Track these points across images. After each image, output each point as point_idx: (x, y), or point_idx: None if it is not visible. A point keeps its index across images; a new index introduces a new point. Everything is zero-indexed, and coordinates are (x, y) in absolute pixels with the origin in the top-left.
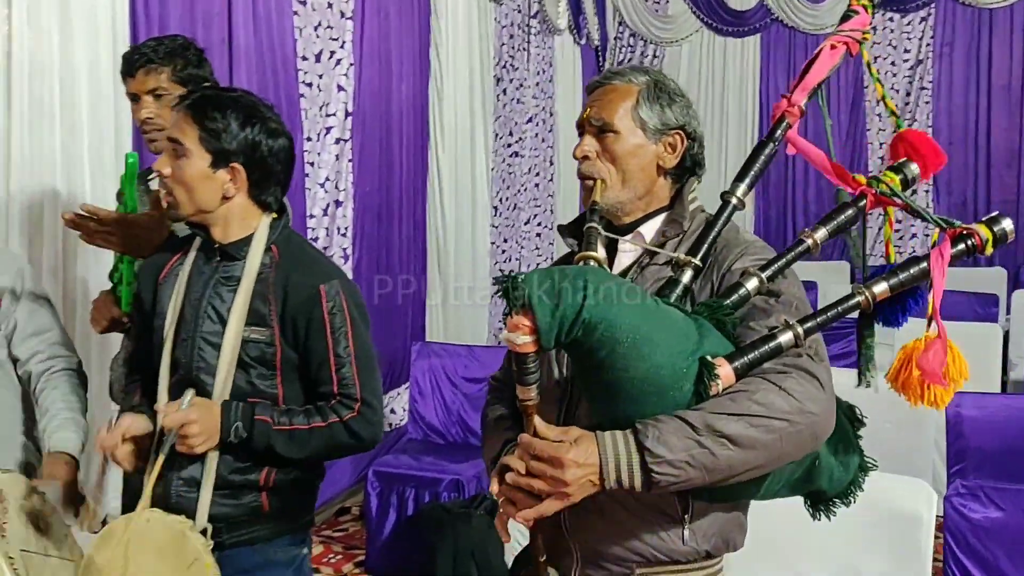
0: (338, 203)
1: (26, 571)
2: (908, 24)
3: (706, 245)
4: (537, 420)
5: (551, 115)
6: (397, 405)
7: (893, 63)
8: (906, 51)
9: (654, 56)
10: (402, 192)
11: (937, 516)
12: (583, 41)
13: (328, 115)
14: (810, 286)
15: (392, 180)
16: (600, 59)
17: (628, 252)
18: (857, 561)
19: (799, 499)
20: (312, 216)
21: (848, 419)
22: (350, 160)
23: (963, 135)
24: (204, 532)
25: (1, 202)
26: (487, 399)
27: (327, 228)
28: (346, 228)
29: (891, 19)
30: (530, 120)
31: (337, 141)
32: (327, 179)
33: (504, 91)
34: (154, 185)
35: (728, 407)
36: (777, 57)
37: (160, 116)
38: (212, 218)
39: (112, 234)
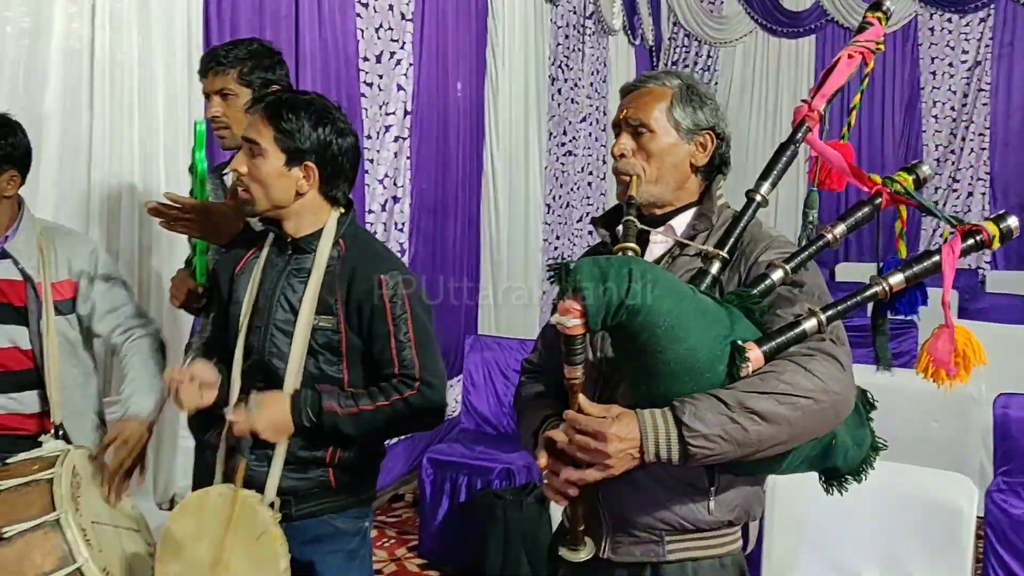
0: (396, 199)
1: (98, 542)
2: (967, 25)
3: (733, 239)
4: (581, 398)
5: (604, 114)
6: (451, 396)
7: (951, 64)
8: (964, 52)
9: (708, 56)
10: (457, 189)
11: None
12: (637, 42)
13: (388, 114)
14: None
15: (448, 177)
16: (654, 59)
17: (659, 243)
18: (900, 552)
19: (850, 500)
20: (371, 211)
21: (861, 403)
22: (408, 157)
23: (1020, 137)
24: (272, 505)
25: (83, 194)
26: (520, 380)
27: (385, 223)
28: (403, 223)
29: (949, 20)
30: (584, 119)
31: (396, 139)
32: (386, 175)
33: (559, 91)
34: (228, 179)
35: (758, 386)
36: (832, 57)
37: (226, 115)
38: (285, 213)
39: (192, 221)
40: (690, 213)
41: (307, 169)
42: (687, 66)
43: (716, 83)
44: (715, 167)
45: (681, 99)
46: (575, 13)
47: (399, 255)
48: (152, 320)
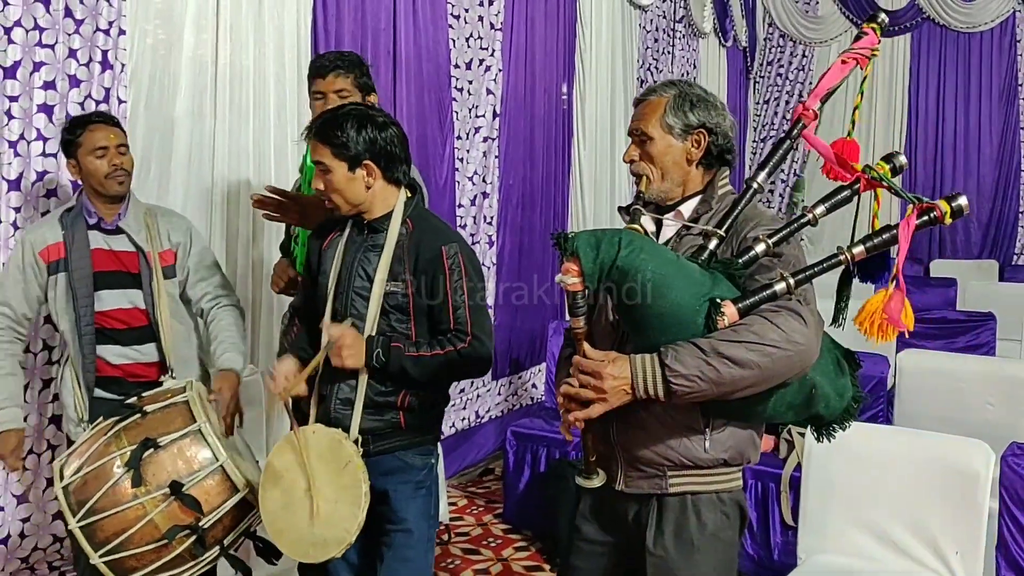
0: (485, 195)
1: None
2: None
3: (729, 220)
4: (584, 345)
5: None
6: (538, 380)
7: None
8: None
9: (803, 56)
10: (543, 185)
11: None
12: (729, 43)
13: (477, 116)
14: (951, 282)
15: (534, 174)
16: (749, 60)
17: (671, 226)
18: (922, 512)
19: (877, 461)
20: (461, 206)
21: (846, 359)
22: (496, 156)
23: None
24: (356, 442)
25: (207, 187)
26: (562, 349)
27: (474, 217)
28: (491, 217)
29: None
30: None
31: (485, 139)
32: (475, 173)
33: None
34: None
35: (731, 336)
36: (928, 56)
37: None
38: (364, 206)
39: (291, 210)
40: (695, 200)
41: (367, 167)
42: (782, 66)
43: (811, 83)
44: (715, 159)
45: (673, 106)
46: (665, 17)
47: (488, 247)
48: (233, 293)
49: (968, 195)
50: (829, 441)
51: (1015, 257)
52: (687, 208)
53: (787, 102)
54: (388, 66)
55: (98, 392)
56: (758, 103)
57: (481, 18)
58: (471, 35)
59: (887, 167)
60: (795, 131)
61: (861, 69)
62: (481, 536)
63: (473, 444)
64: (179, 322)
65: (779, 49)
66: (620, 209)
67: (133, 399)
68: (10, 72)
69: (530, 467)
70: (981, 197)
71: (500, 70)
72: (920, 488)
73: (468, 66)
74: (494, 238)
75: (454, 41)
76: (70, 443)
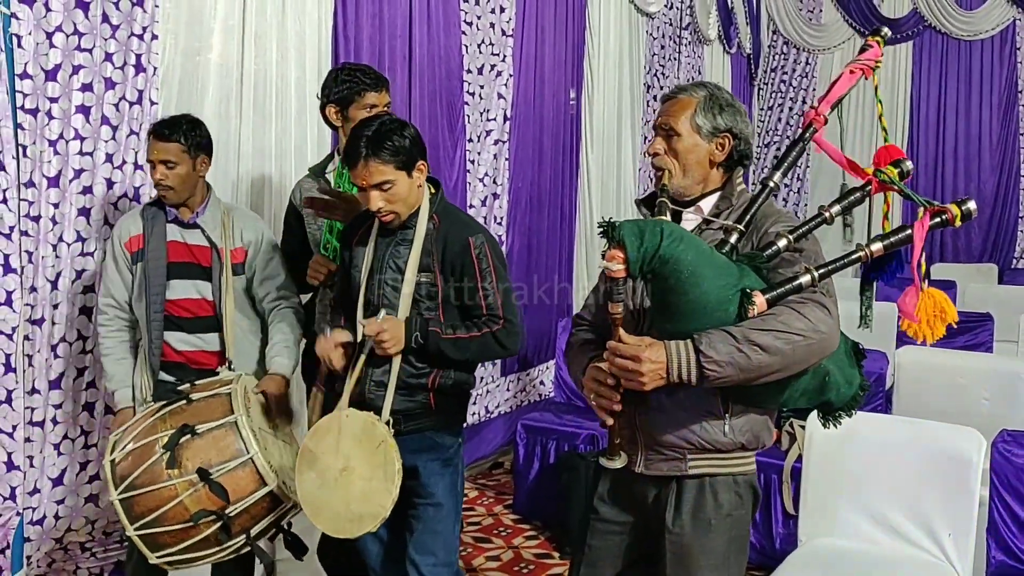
0: (495, 196)
1: (264, 445)
2: None
3: (748, 216)
4: (621, 331)
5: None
6: (546, 377)
7: None
8: None
9: (806, 63)
10: (552, 187)
11: None
12: (733, 50)
13: (488, 119)
14: (951, 285)
15: (543, 177)
16: (753, 67)
17: (690, 221)
18: (918, 496)
19: (876, 448)
20: (471, 206)
21: (853, 351)
22: (507, 159)
23: None
24: (388, 423)
25: (232, 184)
26: (571, 332)
27: (484, 217)
28: (501, 217)
29: None
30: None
31: (496, 142)
32: (485, 174)
33: (655, 97)
34: (330, 178)
35: (760, 325)
36: (930, 63)
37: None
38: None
39: (339, 208)
40: (715, 197)
41: (419, 168)
42: (786, 73)
43: (815, 89)
44: (735, 161)
45: (704, 107)
46: (671, 24)
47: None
48: (296, 294)
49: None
50: (836, 427)
51: (1015, 261)
52: (706, 204)
53: (791, 108)
54: (404, 70)
55: (162, 375)
56: (762, 109)
57: (493, 25)
58: (483, 41)
59: (895, 171)
60: (807, 134)
61: (867, 79)
62: (492, 526)
63: (483, 439)
64: (245, 317)
65: (783, 56)
66: (638, 202)
67: (185, 386)
68: (51, 75)
69: (540, 459)
70: (981, 202)
71: (511, 75)
72: (916, 474)
73: (480, 71)
74: (504, 238)
75: (467, 47)
76: None
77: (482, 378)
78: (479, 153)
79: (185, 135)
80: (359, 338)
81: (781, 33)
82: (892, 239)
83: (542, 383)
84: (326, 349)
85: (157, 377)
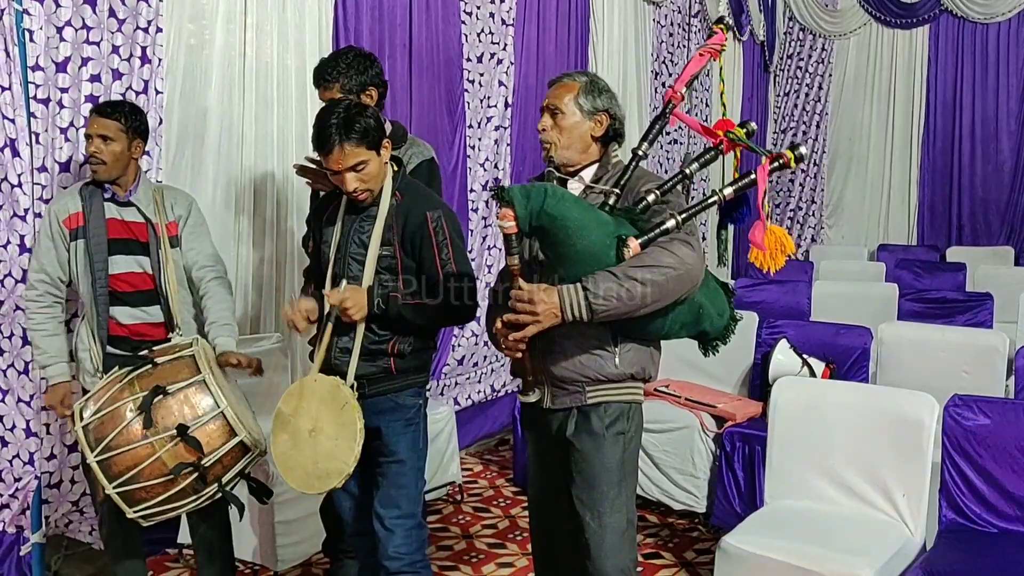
0: (496, 180)
1: (229, 400)
2: None
3: (624, 180)
4: (519, 279)
5: (707, 106)
6: None
7: None
8: None
9: (823, 49)
10: None
11: None
12: (744, 38)
13: (489, 106)
14: (961, 267)
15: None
16: (767, 54)
17: (575, 188)
18: (875, 459)
19: (834, 413)
20: (472, 191)
21: (723, 288)
22: (508, 144)
23: None
24: (352, 387)
25: (236, 170)
26: (488, 302)
27: (486, 202)
28: None
29: None
30: (688, 110)
31: (497, 128)
32: (486, 159)
33: (663, 84)
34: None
35: (636, 263)
36: (946, 46)
37: None
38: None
39: (325, 177)
40: (595, 167)
41: (385, 146)
42: (802, 59)
43: (831, 75)
44: (611, 137)
45: (585, 90)
46: (680, 12)
47: (499, 231)
48: (220, 263)
49: (986, 183)
50: (715, 355)
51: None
52: (588, 173)
53: (807, 94)
54: (405, 58)
55: (109, 348)
56: (778, 95)
57: (492, 15)
58: (483, 30)
59: (742, 131)
60: (667, 110)
61: (715, 61)
62: (492, 497)
63: (488, 416)
64: (183, 288)
65: (798, 43)
66: (531, 179)
67: (145, 351)
68: (61, 67)
69: None
70: (999, 185)
71: (512, 63)
72: (873, 438)
73: (480, 59)
74: None
75: (466, 36)
76: (84, 392)
77: (486, 357)
78: (480, 139)
79: (126, 116)
80: (326, 309)
81: (797, 19)
82: (740, 183)
83: None
84: (291, 316)
85: (105, 350)
